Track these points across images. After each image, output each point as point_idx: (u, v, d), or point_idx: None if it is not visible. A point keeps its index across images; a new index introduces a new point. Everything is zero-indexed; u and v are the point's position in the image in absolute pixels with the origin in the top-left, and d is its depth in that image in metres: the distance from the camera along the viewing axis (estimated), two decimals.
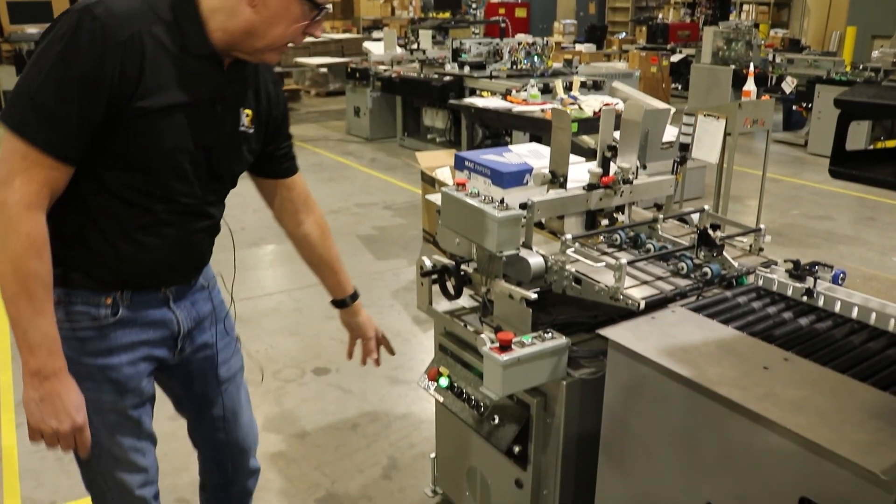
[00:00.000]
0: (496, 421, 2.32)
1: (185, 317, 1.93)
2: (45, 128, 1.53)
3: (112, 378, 1.80)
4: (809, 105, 9.91)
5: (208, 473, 2.32)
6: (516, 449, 2.29)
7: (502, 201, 2.13)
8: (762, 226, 2.44)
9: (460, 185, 2.27)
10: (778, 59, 11.20)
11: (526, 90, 7.40)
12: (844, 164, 1.59)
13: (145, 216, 1.72)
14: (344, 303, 2.31)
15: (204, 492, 2.38)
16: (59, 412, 1.64)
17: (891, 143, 6.68)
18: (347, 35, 14.85)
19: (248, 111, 1.85)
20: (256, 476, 2.37)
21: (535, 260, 2.20)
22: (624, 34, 19.78)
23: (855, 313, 2.05)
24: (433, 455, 2.94)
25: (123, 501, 1.96)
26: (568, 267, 2.18)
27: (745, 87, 6.73)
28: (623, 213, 2.60)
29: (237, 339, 2.19)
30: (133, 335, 1.82)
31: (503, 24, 10.87)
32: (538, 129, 6.68)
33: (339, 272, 2.28)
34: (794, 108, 10.75)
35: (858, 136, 7.29)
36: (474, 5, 12.50)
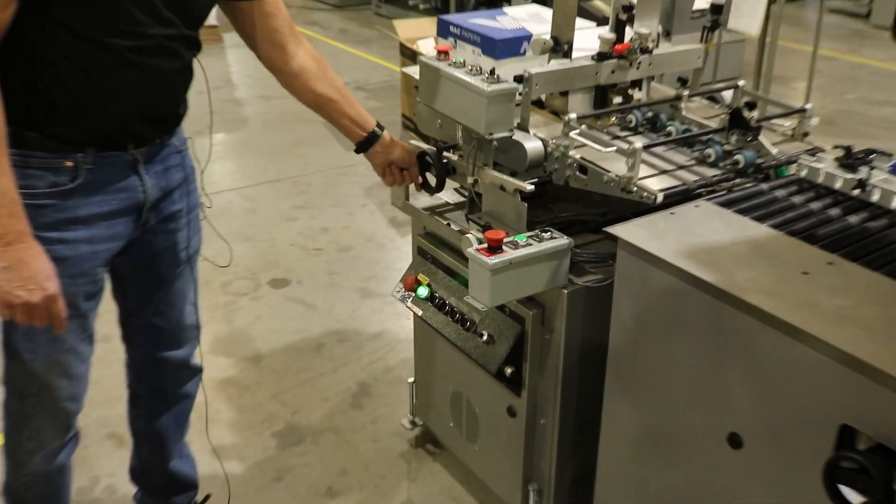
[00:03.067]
0: (485, 338, 2.32)
1: (154, 185, 1.96)
2: None
3: (67, 256, 1.84)
4: None
5: (141, 378, 2.34)
6: (508, 371, 2.30)
7: (493, 72, 2.08)
8: (808, 105, 2.40)
9: (442, 54, 2.21)
10: None
11: None
12: None
13: (108, 57, 1.74)
14: (375, 135, 2.30)
15: (136, 407, 2.39)
16: (27, 281, 1.66)
17: None
18: None
19: None
20: (198, 378, 2.41)
21: (531, 144, 2.16)
22: None
23: None
24: (411, 380, 2.97)
25: (44, 409, 2.00)
26: (571, 153, 2.14)
27: None
28: (640, 89, 2.55)
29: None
30: (94, 206, 1.85)
31: None
32: None
33: (355, 102, 2.28)
34: None
35: None
36: None
